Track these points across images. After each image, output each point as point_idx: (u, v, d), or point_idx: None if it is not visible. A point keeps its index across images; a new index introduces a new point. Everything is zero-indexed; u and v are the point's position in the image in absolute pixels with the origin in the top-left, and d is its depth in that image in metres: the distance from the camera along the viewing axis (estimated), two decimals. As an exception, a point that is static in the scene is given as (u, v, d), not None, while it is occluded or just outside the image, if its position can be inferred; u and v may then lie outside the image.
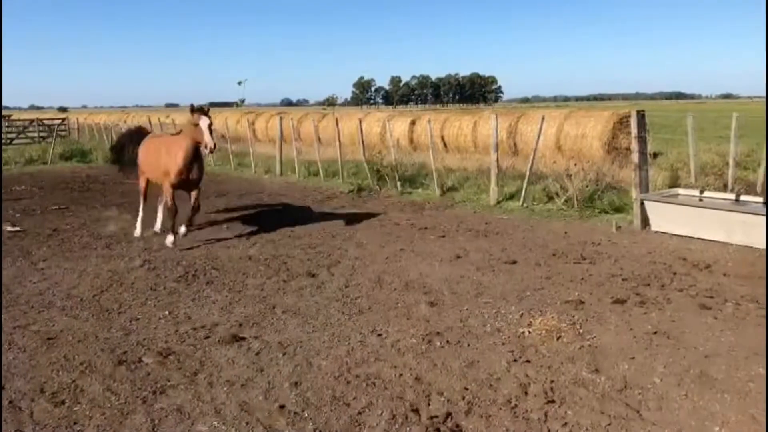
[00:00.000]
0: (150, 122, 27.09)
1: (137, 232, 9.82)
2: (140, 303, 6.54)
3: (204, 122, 8.40)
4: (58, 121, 33.89)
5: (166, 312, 6.25)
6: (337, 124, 17.59)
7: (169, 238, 9.00)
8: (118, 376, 4.78)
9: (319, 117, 30.26)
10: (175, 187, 8.98)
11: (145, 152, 9.73)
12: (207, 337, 5.56)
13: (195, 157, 8.87)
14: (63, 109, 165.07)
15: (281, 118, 20.49)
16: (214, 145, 8.41)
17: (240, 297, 6.73)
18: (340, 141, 17.13)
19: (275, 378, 4.71)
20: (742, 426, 3.93)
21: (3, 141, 26.71)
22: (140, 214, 9.97)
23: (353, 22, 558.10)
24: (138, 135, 10.49)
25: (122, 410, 4.24)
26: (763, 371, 4.72)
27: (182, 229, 9.32)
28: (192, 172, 8.91)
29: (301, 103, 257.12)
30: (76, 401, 4.37)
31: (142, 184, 10.06)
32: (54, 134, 26.94)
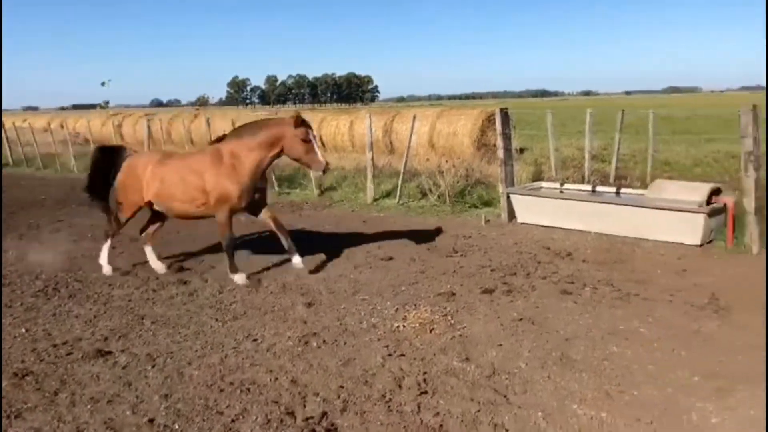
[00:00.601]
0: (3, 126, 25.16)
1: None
2: (-8, 322, 6.05)
3: (312, 136, 7.04)
4: None
5: (23, 330, 5.81)
6: (208, 125, 17.13)
7: (239, 278, 7.22)
8: (-34, 403, 4.39)
9: (191, 118, 29.34)
10: (235, 213, 7.28)
11: (158, 176, 7.33)
12: (69, 354, 5.23)
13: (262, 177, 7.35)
14: None
15: (149, 120, 19.67)
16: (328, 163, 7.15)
17: (106, 309, 6.39)
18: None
19: (144, 391, 4.51)
20: (597, 401, 4.22)
21: None
22: (107, 252, 7.82)
23: (228, 20, 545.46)
24: (119, 155, 7.91)
25: (-30, 440, 3.90)
26: (617, 349, 5.10)
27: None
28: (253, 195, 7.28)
29: (172, 104, 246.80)
30: None
31: (128, 214, 7.65)
32: None
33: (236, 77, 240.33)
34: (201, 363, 4.98)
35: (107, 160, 7.79)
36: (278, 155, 7.15)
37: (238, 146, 7.07)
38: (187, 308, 6.37)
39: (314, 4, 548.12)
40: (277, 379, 4.66)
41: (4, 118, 32.12)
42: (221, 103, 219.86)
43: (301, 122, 6.94)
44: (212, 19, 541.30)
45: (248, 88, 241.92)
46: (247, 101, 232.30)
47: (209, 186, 7.06)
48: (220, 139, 7.42)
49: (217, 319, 6.01)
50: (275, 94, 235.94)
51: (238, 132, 7.34)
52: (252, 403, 4.28)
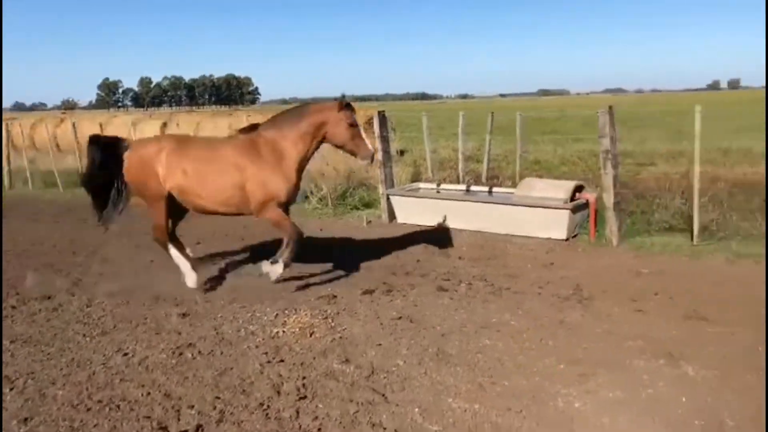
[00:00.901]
0: None
1: (191, 280, 6.92)
2: None
3: (358, 120, 6.47)
4: None
5: None
6: (74, 129, 16.17)
7: (277, 269, 6.67)
8: None
9: (57, 122, 27.60)
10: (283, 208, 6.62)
11: (179, 167, 6.50)
12: None
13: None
14: None
15: (8, 124, 18.29)
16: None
17: (-43, 330, 5.87)
18: (79, 148, 15.76)
19: (0, 417, 4.19)
20: (471, 394, 4.37)
21: None
22: (185, 260, 7.02)
23: (100, 20, 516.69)
24: (116, 148, 6.89)
25: None
26: (489, 342, 5.31)
27: (278, 267, 6.67)
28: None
29: (37, 107, 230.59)
30: None
31: (162, 216, 6.76)
32: None
33: (107, 79, 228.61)
34: (66, 381, 4.69)
35: (108, 155, 6.81)
36: (320, 143, 6.69)
37: (280, 138, 6.50)
38: (52, 324, 5.98)
39: (194, 3, 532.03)
40: (149, 393, 4.47)
41: None
42: (91, 107, 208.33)
43: (345, 105, 6.47)
44: (82, 18, 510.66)
45: (120, 91, 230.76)
46: (119, 104, 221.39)
47: (252, 185, 6.41)
48: (251, 129, 6.74)
49: (84, 335, 5.68)
50: (149, 96, 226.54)
51: (274, 122, 6.70)
52: (122, 421, 4.09)
